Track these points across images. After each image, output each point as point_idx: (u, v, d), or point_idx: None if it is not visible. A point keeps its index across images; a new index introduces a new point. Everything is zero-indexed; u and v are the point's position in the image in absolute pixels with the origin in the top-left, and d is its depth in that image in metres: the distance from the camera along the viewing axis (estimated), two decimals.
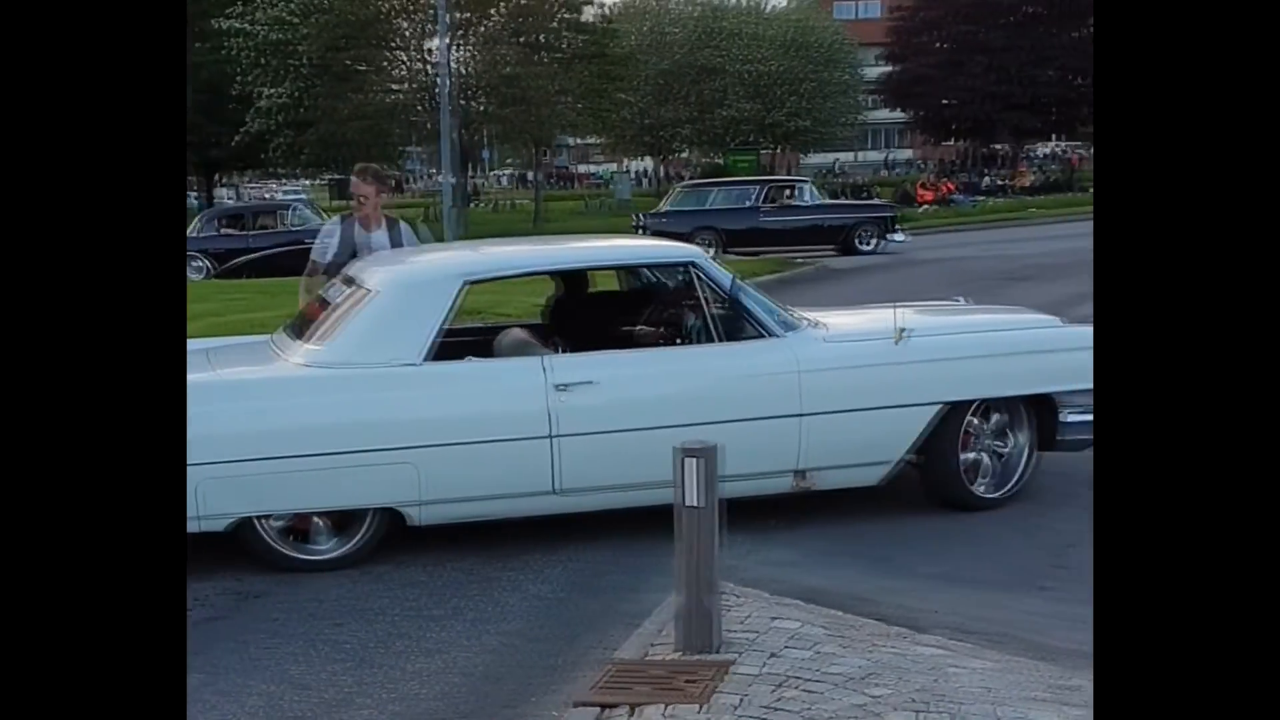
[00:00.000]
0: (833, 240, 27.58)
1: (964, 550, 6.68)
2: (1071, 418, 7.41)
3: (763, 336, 7.03)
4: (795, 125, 60.79)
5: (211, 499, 6.34)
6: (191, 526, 6.26)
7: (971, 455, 7.37)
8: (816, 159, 73.62)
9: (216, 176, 53.81)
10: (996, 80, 53.86)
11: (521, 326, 8.16)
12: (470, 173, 50.09)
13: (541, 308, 8.35)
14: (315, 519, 6.71)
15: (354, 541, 6.71)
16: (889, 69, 60.68)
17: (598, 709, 4.60)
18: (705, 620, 5.05)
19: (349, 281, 7.35)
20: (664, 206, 28.49)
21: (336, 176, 52.58)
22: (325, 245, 8.65)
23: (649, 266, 8.21)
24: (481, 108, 44.19)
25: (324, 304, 7.40)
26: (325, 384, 6.61)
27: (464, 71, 43.45)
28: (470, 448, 6.57)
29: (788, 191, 29.01)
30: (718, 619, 5.11)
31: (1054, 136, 63.48)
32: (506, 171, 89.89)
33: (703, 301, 7.09)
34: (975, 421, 7.34)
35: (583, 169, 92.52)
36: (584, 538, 6.98)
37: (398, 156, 52.18)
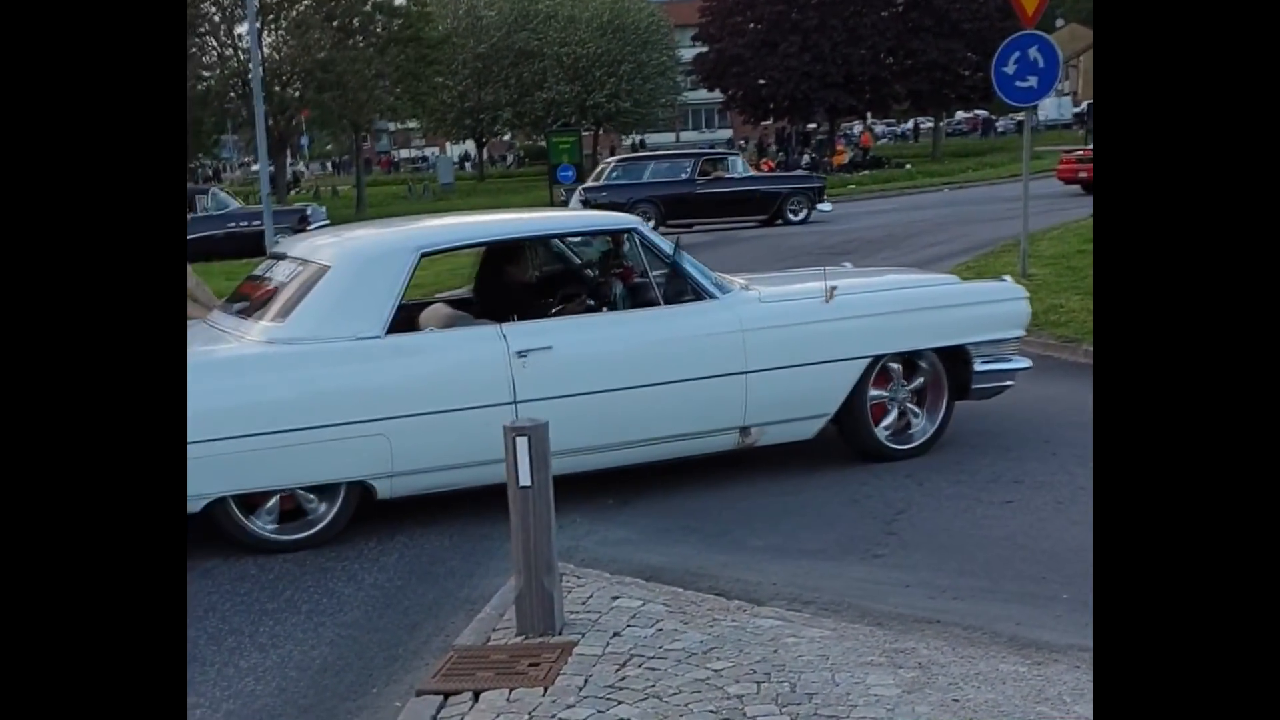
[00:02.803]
0: (765, 210, 27.93)
1: (797, 521, 6.77)
2: (983, 366, 7.84)
3: (702, 299, 7.28)
4: (615, 106, 60.98)
5: (191, 480, 6.22)
6: None
7: (891, 409, 7.77)
8: (650, 139, 73.91)
9: None
10: (811, 59, 54.58)
11: (444, 302, 8.18)
12: (290, 160, 49.20)
13: (474, 280, 8.48)
14: (299, 493, 6.68)
15: (326, 520, 6.70)
16: (704, 50, 61.06)
17: (440, 697, 4.56)
18: (545, 602, 5.04)
19: (285, 258, 7.36)
20: (601, 180, 28.52)
21: None
22: None
23: (595, 234, 8.32)
24: (296, 93, 43.43)
25: (260, 281, 7.42)
26: (290, 360, 6.57)
27: (276, 57, 42.68)
28: (438, 417, 6.61)
29: (720, 164, 29.35)
30: (558, 600, 5.10)
31: (869, 114, 64.55)
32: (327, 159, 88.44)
33: (645, 267, 7.37)
34: (892, 374, 7.71)
35: (404, 154, 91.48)
36: (419, 524, 6.91)
37: (211, 145, 51.01)
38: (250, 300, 7.34)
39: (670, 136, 79.60)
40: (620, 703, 4.35)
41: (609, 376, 6.93)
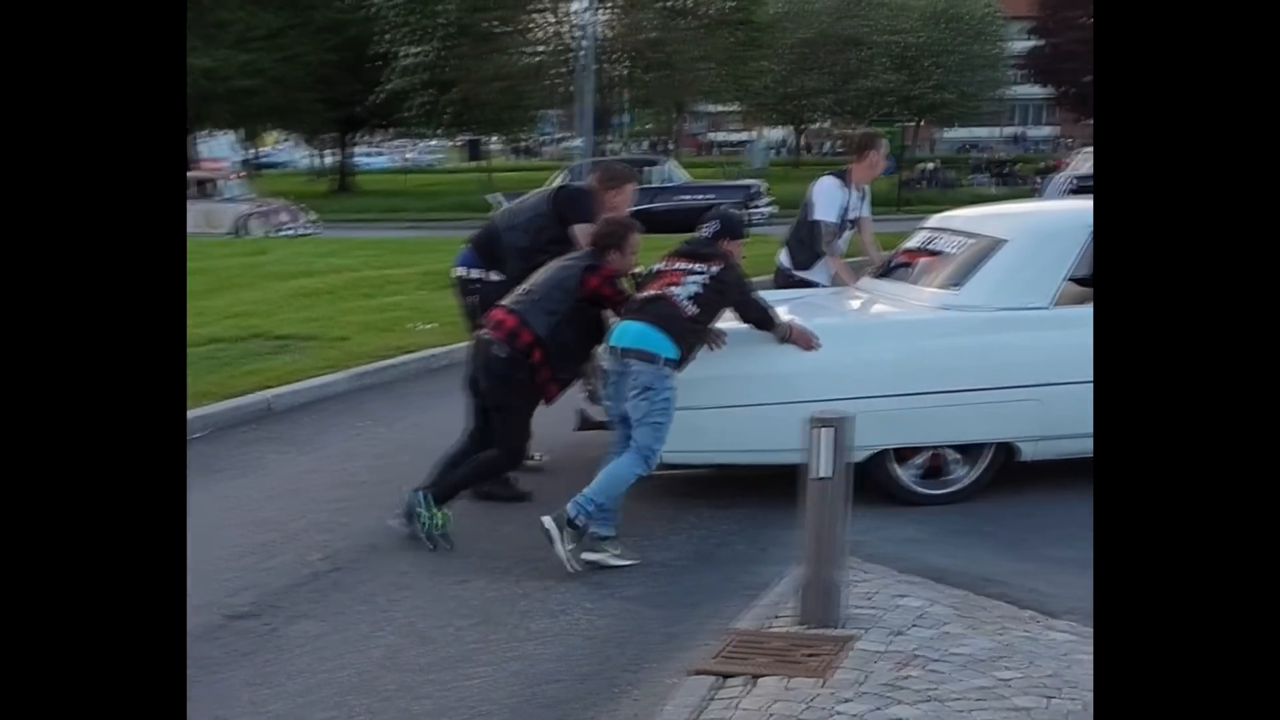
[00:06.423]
0: None
1: None
2: None
3: None
4: (939, 98, 59.78)
5: (858, 432, 6.54)
6: None
7: None
8: (960, 133, 72.54)
9: (354, 134, 54.47)
10: None
11: None
12: (607, 138, 50.19)
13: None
14: (946, 454, 7.07)
15: (972, 477, 7.05)
16: (1037, 43, 59.41)
17: (715, 678, 4.57)
18: (829, 594, 4.99)
19: (944, 230, 7.84)
20: (1080, 169, 28.91)
21: (473, 137, 52.96)
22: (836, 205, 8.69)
23: None
24: (623, 72, 44.16)
25: (920, 251, 7.86)
26: (963, 325, 6.99)
27: (606, 35, 43.45)
28: (1089, 386, 6.76)
29: None
30: (842, 594, 5.04)
31: None
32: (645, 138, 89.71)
33: None
34: None
35: (717, 137, 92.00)
36: (708, 507, 6.94)
37: (534, 119, 52.40)
38: (912, 268, 7.80)
39: (994, 131, 77.79)
40: (899, 702, 4.27)
41: None
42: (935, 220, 8.23)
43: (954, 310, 7.08)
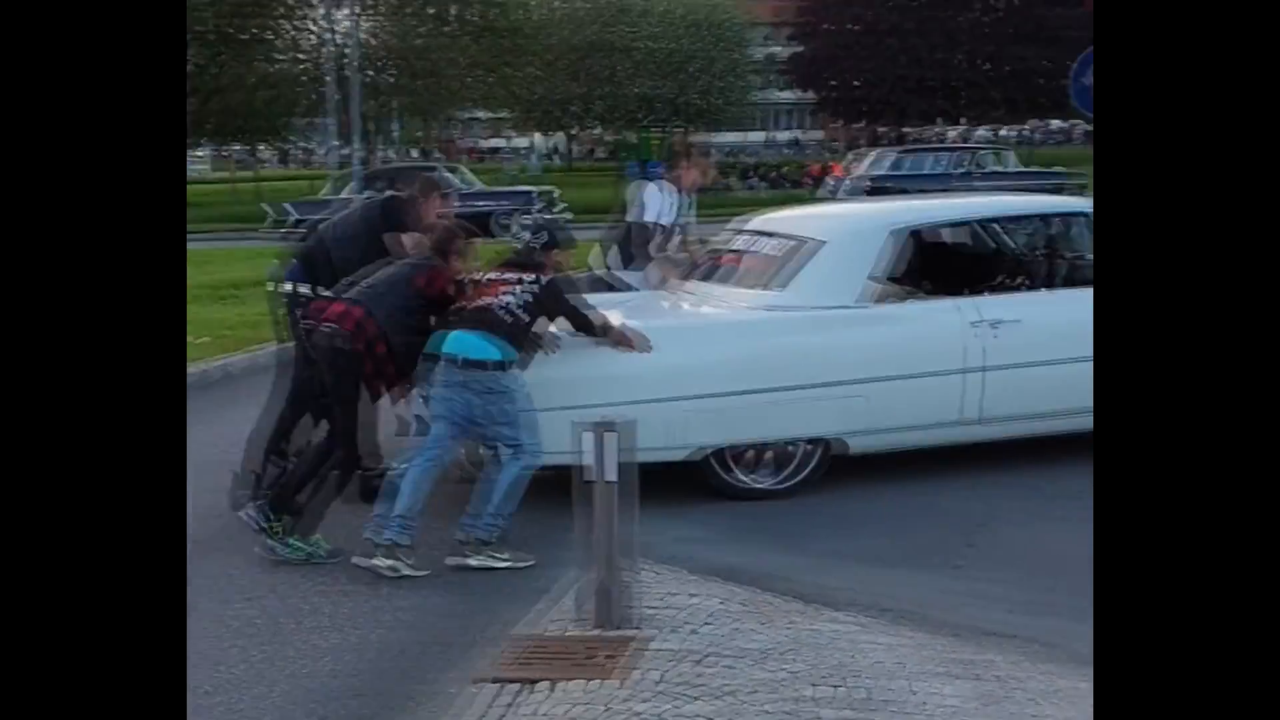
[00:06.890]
0: None
1: (876, 529, 6.72)
2: None
3: None
4: (707, 103, 60.76)
5: (691, 431, 6.85)
6: (675, 456, 6.85)
7: None
8: (731, 138, 73.72)
9: None
10: (907, 63, 54.24)
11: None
12: (377, 145, 49.64)
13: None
14: (767, 451, 7.25)
15: (805, 471, 7.25)
16: (799, 49, 60.79)
17: (517, 685, 4.57)
18: (621, 596, 5.05)
19: (759, 233, 8.06)
20: (873, 170, 29.61)
21: (239, 146, 51.82)
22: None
23: (1050, 216, 8.86)
24: (391, 79, 43.74)
25: (736, 254, 8.07)
26: (788, 325, 7.23)
27: (373, 42, 42.99)
28: (910, 381, 7.14)
29: (993, 158, 30.56)
30: (633, 595, 5.11)
31: (962, 120, 64.02)
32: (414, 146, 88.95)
33: (1085, 248, 8.05)
34: None
35: (492, 143, 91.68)
36: None
37: (303, 127, 51.49)
38: (732, 270, 8.02)
39: (760, 135, 79.32)
40: (696, 699, 4.34)
41: (1068, 347, 7.12)
42: (754, 223, 8.48)
43: (778, 310, 7.31)
